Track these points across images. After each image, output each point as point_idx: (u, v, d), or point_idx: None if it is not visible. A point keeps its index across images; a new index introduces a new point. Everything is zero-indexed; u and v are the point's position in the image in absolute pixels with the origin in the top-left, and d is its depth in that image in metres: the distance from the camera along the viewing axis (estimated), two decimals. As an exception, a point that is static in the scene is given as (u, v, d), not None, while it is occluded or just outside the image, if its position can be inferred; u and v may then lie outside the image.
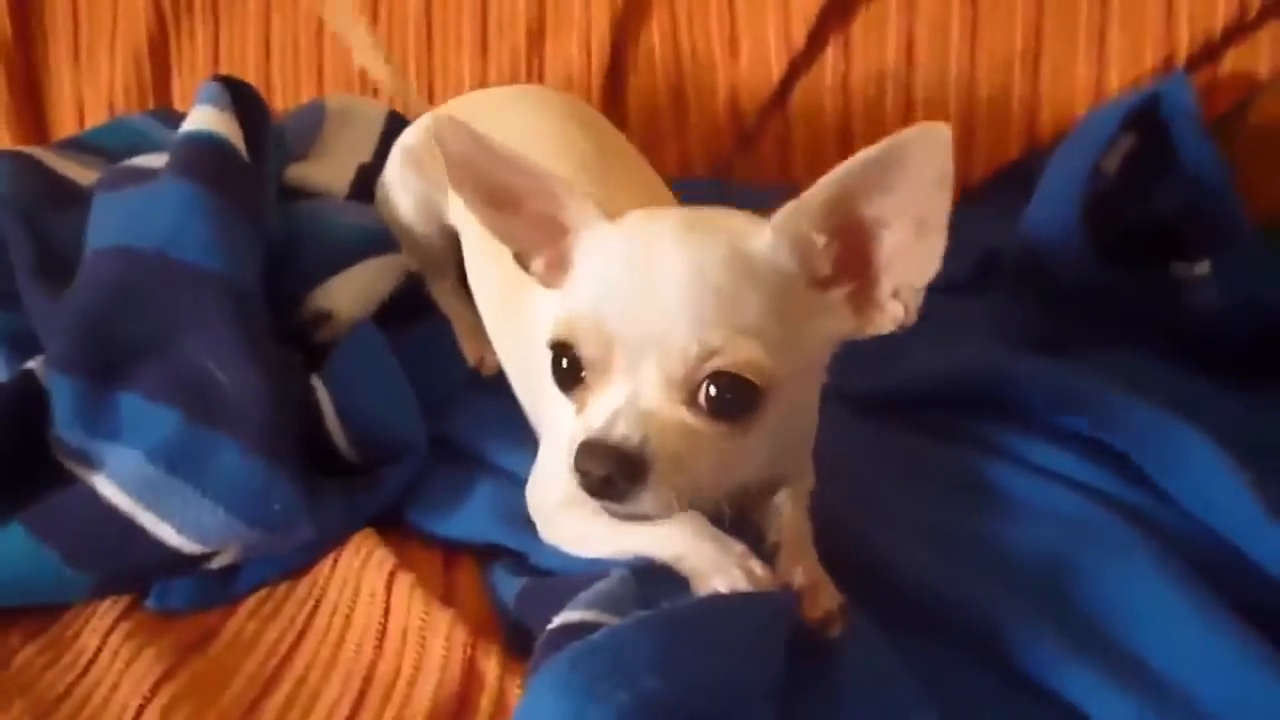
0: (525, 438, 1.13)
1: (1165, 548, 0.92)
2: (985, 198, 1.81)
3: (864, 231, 0.80)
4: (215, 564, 1.03)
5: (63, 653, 0.99)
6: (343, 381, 1.14)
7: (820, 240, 0.80)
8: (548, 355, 0.84)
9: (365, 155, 1.58)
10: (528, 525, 1.01)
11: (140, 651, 0.96)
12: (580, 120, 1.29)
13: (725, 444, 0.78)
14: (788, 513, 0.93)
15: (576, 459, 0.75)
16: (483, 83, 1.95)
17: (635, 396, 0.77)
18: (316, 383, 1.13)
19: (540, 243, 0.90)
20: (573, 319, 0.81)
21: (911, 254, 0.79)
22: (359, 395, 1.13)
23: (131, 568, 1.01)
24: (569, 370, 0.82)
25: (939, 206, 0.76)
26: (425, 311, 1.38)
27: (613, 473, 0.74)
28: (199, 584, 1.04)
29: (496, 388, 1.27)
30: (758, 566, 0.82)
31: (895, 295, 0.82)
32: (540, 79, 1.93)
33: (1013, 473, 1.08)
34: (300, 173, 1.52)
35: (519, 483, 1.07)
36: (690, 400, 0.77)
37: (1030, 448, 1.10)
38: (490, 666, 0.86)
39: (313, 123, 1.65)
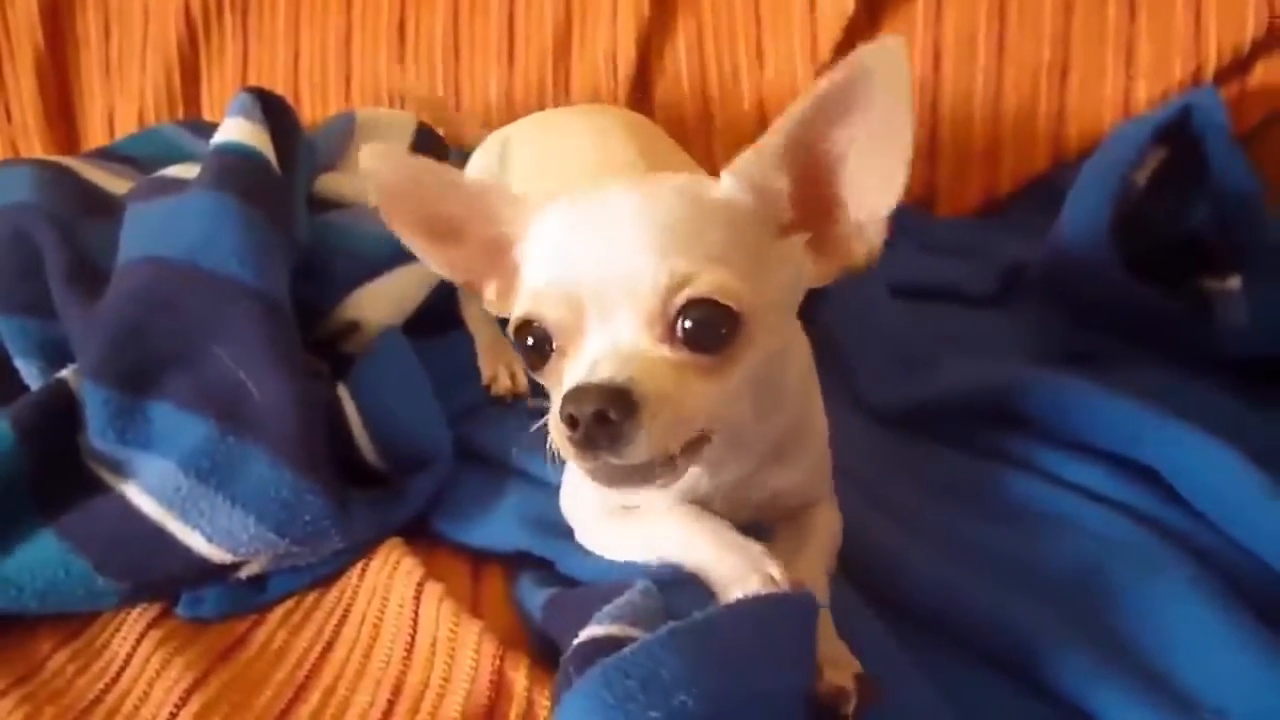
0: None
1: (1197, 565, 0.92)
2: (1011, 211, 1.81)
3: (822, 171, 0.78)
4: (244, 573, 1.04)
5: (93, 660, 1.00)
6: (368, 389, 1.14)
7: (783, 183, 0.79)
8: (520, 351, 0.82)
9: (396, 164, 1.59)
10: (555, 531, 1.01)
11: (171, 660, 0.96)
12: (637, 136, 1.29)
13: (710, 378, 0.75)
14: (811, 578, 0.88)
15: (564, 405, 0.71)
16: (509, 95, 1.97)
17: (615, 342, 0.74)
18: (342, 391, 1.14)
19: (489, 269, 0.89)
20: (535, 293, 0.79)
21: (875, 178, 0.77)
22: (384, 403, 1.14)
23: (162, 576, 1.02)
24: (537, 347, 0.79)
25: (904, 121, 0.74)
26: (453, 321, 1.38)
27: (604, 407, 0.70)
28: (228, 592, 1.04)
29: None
30: (775, 571, 0.81)
31: (859, 231, 0.79)
32: (566, 91, 1.94)
33: (1043, 489, 1.08)
34: (330, 183, 1.53)
35: (546, 489, 1.08)
36: (669, 336, 0.74)
37: (1060, 464, 1.10)
38: (519, 678, 0.85)
39: (343, 134, 1.66)
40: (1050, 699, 0.83)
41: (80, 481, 1.08)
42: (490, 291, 0.90)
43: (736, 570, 0.83)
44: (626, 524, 0.94)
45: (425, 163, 0.85)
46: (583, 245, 0.77)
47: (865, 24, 1.82)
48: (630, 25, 1.90)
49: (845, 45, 1.82)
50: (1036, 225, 1.53)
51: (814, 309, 1.36)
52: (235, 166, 1.18)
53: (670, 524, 0.91)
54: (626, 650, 0.70)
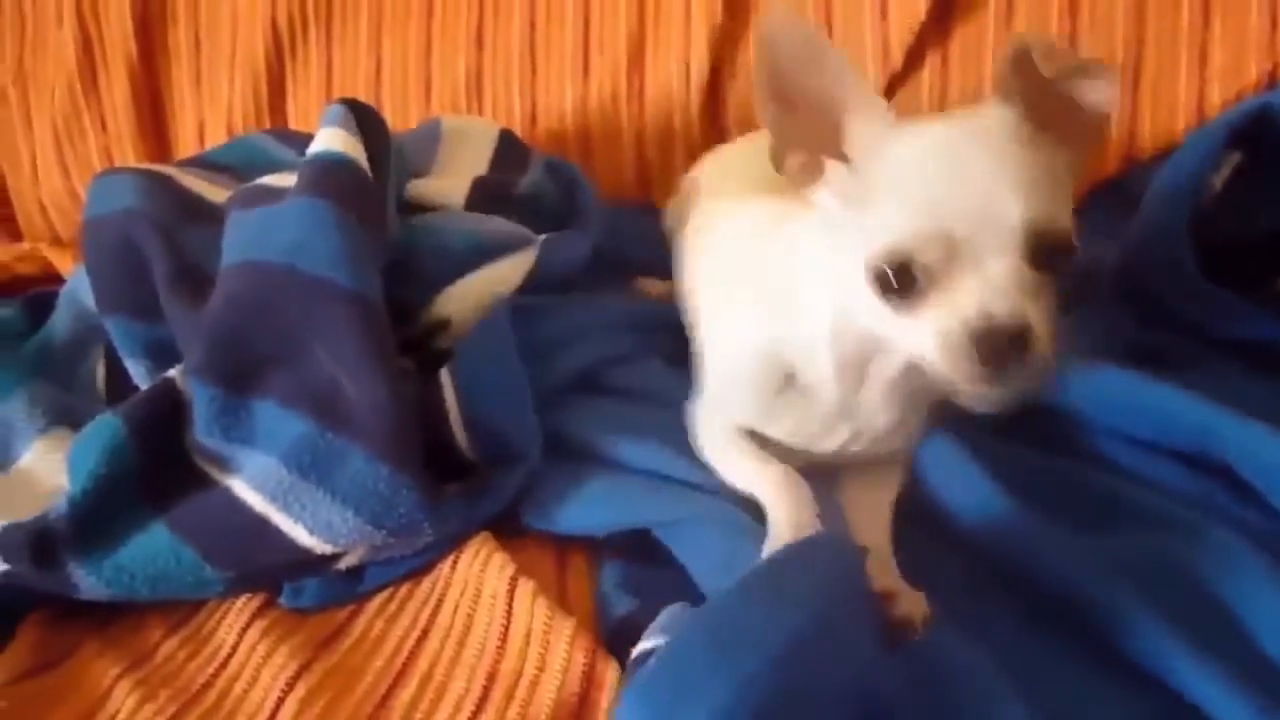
0: (640, 431, 1.17)
1: (1275, 560, 0.92)
2: (1083, 212, 1.79)
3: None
4: (343, 564, 1.08)
5: (202, 646, 1.05)
6: (467, 378, 1.18)
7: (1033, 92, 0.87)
8: (871, 278, 0.88)
9: (481, 169, 1.63)
10: (642, 505, 1.06)
11: (276, 647, 1.00)
12: None
13: (1050, 300, 0.85)
14: (879, 521, 1.01)
15: (978, 343, 0.81)
16: (584, 102, 2.00)
17: (997, 281, 0.82)
18: (445, 378, 1.18)
19: (804, 144, 0.95)
20: (914, 232, 0.85)
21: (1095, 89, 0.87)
22: (481, 394, 1.17)
23: (266, 566, 1.06)
24: (900, 279, 0.86)
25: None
26: (536, 314, 1.40)
27: (1013, 342, 0.80)
28: (327, 584, 1.09)
29: (606, 386, 1.32)
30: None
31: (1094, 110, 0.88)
32: (640, 98, 1.96)
33: (1118, 484, 1.08)
34: (420, 188, 1.56)
35: (632, 474, 1.13)
36: (1033, 268, 0.83)
37: (1134, 460, 1.11)
38: (610, 670, 0.89)
39: (430, 141, 1.69)
40: (1127, 672, 0.86)
41: (188, 476, 1.12)
42: (793, 164, 0.95)
43: (789, 520, 0.95)
44: (738, 458, 1.08)
45: (817, 39, 0.90)
46: (959, 193, 0.84)
47: (936, 28, 1.83)
48: (703, 33, 1.92)
49: (916, 50, 1.84)
50: (1108, 226, 1.53)
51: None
52: (331, 174, 1.22)
53: (766, 479, 1.03)
54: (700, 612, 0.76)
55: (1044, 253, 0.83)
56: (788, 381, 1.07)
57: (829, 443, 1.08)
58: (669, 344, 1.38)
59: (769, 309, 1.08)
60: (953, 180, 0.85)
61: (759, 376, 1.08)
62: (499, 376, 1.20)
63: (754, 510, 1.02)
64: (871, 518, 1.03)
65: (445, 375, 1.19)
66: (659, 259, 1.57)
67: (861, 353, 0.99)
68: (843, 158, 0.93)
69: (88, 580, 1.04)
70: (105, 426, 1.10)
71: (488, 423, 1.16)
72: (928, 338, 0.85)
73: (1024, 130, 0.86)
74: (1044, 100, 0.87)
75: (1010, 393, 0.86)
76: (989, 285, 0.82)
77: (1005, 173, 0.83)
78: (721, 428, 1.12)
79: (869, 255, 0.87)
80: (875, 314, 0.90)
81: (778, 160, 0.97)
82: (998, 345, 0.80)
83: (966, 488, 1.05)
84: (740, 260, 1.20)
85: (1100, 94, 0.87)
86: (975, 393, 0.87)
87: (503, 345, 1.24)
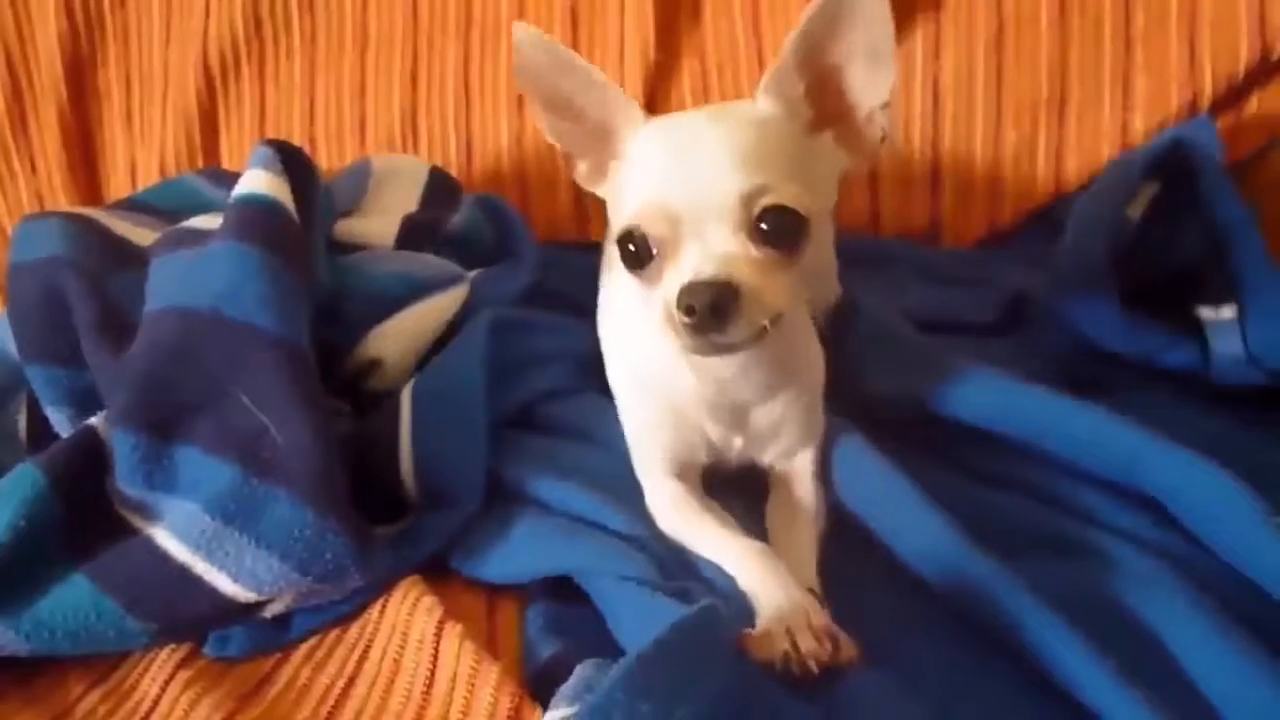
0: (570, 473, 1.17)
1: (1196, 589, 0.94)
2: (1013, 242, 1.83)
3: (831, 78, 0.95)
4: (269, 612, 1.06)
5: (124, 700, 1.03)
6: (425, 410, 1.19)
7: (800, 90, 0.95)
8: (619, 256, 0.97)
9: (410, 207, 1.62)
10: (568, 553, 1.05)
11: (199, 699, 0.99)
12: None
13: (785, 270, 0.91)
14: (804, 562, 1.03)
15: (681, 298, 0.88)
16: (520, 140, 2.00)
17: (711, 248, 0.90)
18: (405, 398, 1.20)
19: (588, 148, 1.05)
20: (640, 208, 0.94)
21: (872, 81, 0.94)
22: (434, 430, 1.18)
23: (190, 616, 1.04)
24: (638, 252, 0.95)
25: (885, 33, 0.91)
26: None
27: (715, 299, 0.86)
28: (254, 632, 1.07)
29: (541, 422, 1.31)
30: (818, 618, 0.90)
31: (869, 120, 0.97)
32: (575, 133, 1.96)
33: (1043, 512, 1.10)
34: (349, 228, 1.56)
35: (560, 518, 1.12)
36: (752, 237, 0.90)
37: (1060, 487, 1.13)
38: (535, 715, 0.88)
39: (360, 180, 1.69)
40: (1054, 701, 0.86)
41: (110, 525, 1.10)
42: (583, 168, 1.07)
43: (782, 609, 0.92)
44: (695, 521, 1.09)
45: (561, 50, 0.99)
46: (679, 170, 0.93)
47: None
48: (637, 67, 1.93)
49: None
50: (1040, 255, 1.55)
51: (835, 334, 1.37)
52: (256, 217, 1.21)
53: (738, 554, 1.02)
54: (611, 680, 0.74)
55: (771, 228, 0.90)
56: (671, 405, 1.12)
57: (730, 450, 1.14)
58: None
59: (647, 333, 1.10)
60: (679, 159, 0.93)
61: (648, 401, 1.14)
62: (456, 416, 1.20)
63: (680, 562, 1.03)
64: (796, 557, 1.04)
65: (406, 394, 1.20)
66: (596, 298, 1.57)
67: None
68: (619, 157, 1.03)
69: (6, 635, 1.02)
70: (24, 477, 1.08)
71: (434, 462, 1.16)
72: (658, 305, 0.92)
73: (775, 120, 0.95)
74: (824, 96, 0.96)
75: (720, 345, 0.91)
76: (704, 252, 0.90)
77: (728, 151, 0.90)
78: (668, 495, 1.12)
79: (614, 235, 0.97)
80: (638, 293, 0.99)
81: (570, 167, 1.08)
82: (700, 301, 0.86)
83: (896, 516, 1.05)
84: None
85: (874, 85, 0.95)
86: (691, 345, 0.91)
87: (468, 376, 1.24)
